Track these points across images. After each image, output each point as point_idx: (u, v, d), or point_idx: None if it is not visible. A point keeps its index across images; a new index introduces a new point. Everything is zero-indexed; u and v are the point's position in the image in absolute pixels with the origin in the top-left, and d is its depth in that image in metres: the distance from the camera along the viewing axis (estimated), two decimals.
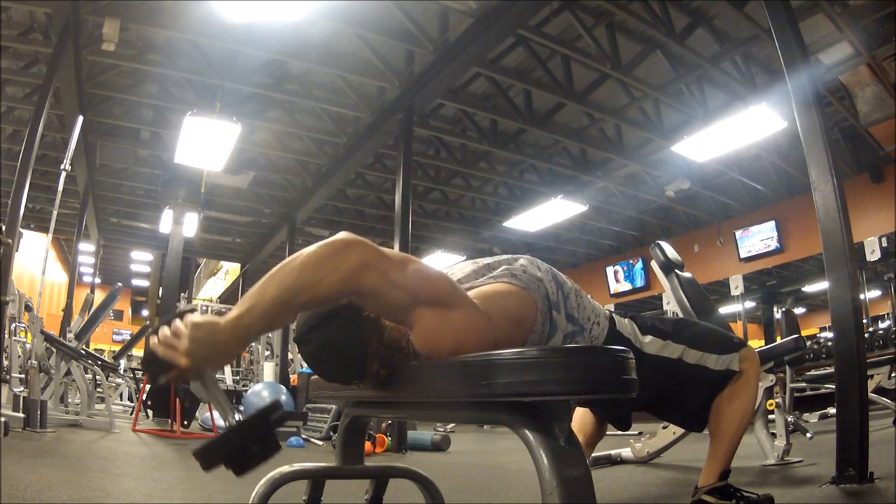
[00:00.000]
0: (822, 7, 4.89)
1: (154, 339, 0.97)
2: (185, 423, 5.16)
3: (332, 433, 5.27)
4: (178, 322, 0.96)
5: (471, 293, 1.19)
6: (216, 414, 6.00)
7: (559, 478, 0.81)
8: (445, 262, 9.99)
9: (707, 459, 1.61)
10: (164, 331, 0.97)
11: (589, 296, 1.48)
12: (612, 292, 11.48)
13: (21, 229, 4.80)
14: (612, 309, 1.60)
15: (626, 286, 11.32)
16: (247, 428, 0.95)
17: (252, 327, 0.95)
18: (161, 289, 10.11)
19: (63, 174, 5.40)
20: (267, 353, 9.90)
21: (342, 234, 1.01)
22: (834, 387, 2.58)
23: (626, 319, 1.56)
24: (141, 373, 8.36)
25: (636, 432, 4.10)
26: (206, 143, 6.40)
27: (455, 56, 5.29)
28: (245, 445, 0.94)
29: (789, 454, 2.90)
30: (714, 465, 1.59)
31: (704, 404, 1.59)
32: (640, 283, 11.10)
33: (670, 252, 3.00)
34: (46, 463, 2.84)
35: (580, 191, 8.67)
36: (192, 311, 1.00)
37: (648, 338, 1.54)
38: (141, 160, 8.42)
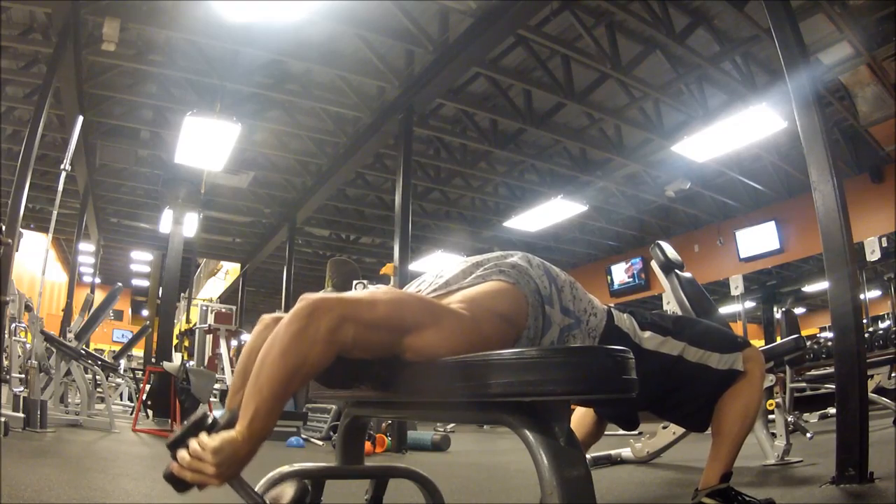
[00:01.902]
0: (822, 7, 4.89)
1: (178, 465, 0.99)
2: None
3: (332, 433, 5.27)
4: (195, 445, 0.98)
5: (457, 296, 1.20)
6: (217, 413, 5.99)
7: (559, 478, 0.81)
8: (440, 263, 10.01)
9: (709, 460, 1.59)
10: (185, 456, 0.98)
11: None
12: (616, 285, 11.47)
13: (21, 229, 4.80)
14: (613, 307, 1.58)
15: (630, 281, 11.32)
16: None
17: (265, 428, 0.98)
18: (161, 289, 10.11)
19: (63, 174, 5.39)
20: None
21: (304, 301, 0.99)
22: (834, 387, 2.58)
23: (626, 314, 1.54)
24: (141, 373, 8.35)
25: (636, 432, 4.10)
26: (206, 143, 6.40)
27: (455, 56, 5.30)
28: None
29: (789, 454, 2.90)
30: (715, 467, 1.57)
31: (706, 404, 1.57)
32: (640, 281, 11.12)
33: (670, 252, 3.00)
34: (46, 463, 2.84)
35: (580, 191, 8.67)
36: (203, 419, 1.02)
37: (647, 333, 1.51)
38: (141, 160, 8.42)
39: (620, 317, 1.51)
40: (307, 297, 1.00)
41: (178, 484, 1.01)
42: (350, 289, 1.02)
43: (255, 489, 1.24)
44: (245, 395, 1.00)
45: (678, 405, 1.61)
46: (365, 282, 0.99)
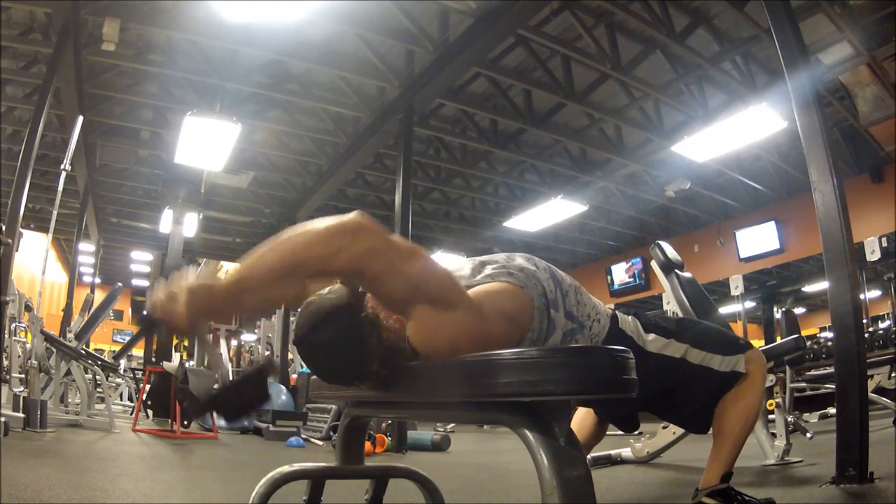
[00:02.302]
0: (822, 7, 4.89)
1: (153, 297, 0.99)
2: (185, 423, 5.16)
3: (332, 433, 5.27)
4: (175, 282, 0.98)
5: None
6: (215, 414, 6.00)
7: (559, 478, 0.81)
8: (444, 262, 9.99)
9: (709, 460, 1.60)
10: (160, 293, 0.98)
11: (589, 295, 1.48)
12: (617, 285, 11.46)
13: (21, 229, 4.80)
14: (613, 307, 1.59)
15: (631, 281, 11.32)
16: (243, 384, 1.03)
17: (249, 290, 0.96)
18: None
19: (63, 174, 5.40)
20: (267, 353, 9.90)
21: (355, 216, 1.00)
22: (834, 387, 2.58)
23: (630, 317, 1.55)
24: (141, 373, 8.35)
25: (636, 432, 4.10)
26: (206, 143, 6.40)
27: (455, 56, 5.29)
28: (240, 396, 1.02)
29: (789, 454, 2.90)
30: (716, 467, 1.57)
31: (708, 405, 1.57)
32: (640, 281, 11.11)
33: (670, 252, 3.00)
34: (46, 463, 2.84)
35: (580, 191, 8.67)
36: (192, 268, 1.02)
37: (651, 336, 1.52)
38: (141, 160, 8.42)
39: (625, 319, 1.53)
40: (362, 215, 0.99)
41: (146, 320, 1.01)
42: (358, 287, 1.04)
43: (256, 489, 1.25)
44: (249, 255, 1.00)
45: (680, 406, 1.62)
46: None
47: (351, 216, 1.00)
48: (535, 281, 1.28)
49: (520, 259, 1.35)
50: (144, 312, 1.03)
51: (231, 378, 1.05)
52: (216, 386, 1.03)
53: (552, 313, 1.27)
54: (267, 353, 9.57)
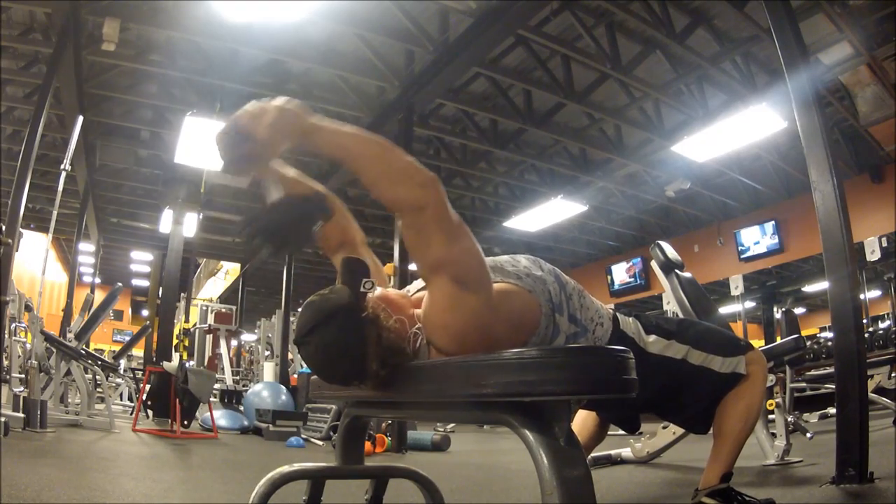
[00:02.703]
0: (822, 7, 4.90)
1: (242, 110, 1.05)
2: (185, 423, 5.16)
3: (332, 433, 5.27)
4: (266, 102, 1.04)
5: None
6: (217, 413, 6.01)
7: (559, 478, 0.81)
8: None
9: (709, 460, 1.60)
10: (251, 106, 1.04)
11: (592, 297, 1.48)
12: (617, 285, 11.46)
13: (21, 229, 4.79)
14: (613, 307, 1.59)
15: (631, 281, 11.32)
16: (292, 204, 1.06)
17: (324, 136, 1.04)
18: (161, 289, 10.11)
19: (63, 174, 5.40)
20: (267, 353, 9.90)
21: (430, 174, 1.05)
22: (834, 387, 2.58)
23: (631, 318, 1.55)
24: (141, 373, 8.33)
25: (636, 433, 4.09)
26: (206, 143, 6.39)
27: (455, 56, 5.29)
28: (287, 220, 1.05)
29: (789, 454, 2.90)
30: (716, 467, 1.57)
31: (708, 407, 1.58)
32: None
33: (670, 252, 3.00)
34: (46, 463, 2.84)
35: (580, 191, 8.66)
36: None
37: (652, 337, 1.53)
38: (141, 160, 8.42)
39: (626, 321, 1.53)
40: (434, 176, 1.05)
41: (229, 132, 1.04)
42: (359, 287, 1.05)
43: (256, 489, 1.25)
44: (334, 121, 1.06)
45: (681, 407, 1.62)
46: (374, 280, 1.00)
47: (426, 171, 1.05)
48: (543, 285, 1.29)
49: (525, 261, 1.35)
50: (229, 126, 1.05)
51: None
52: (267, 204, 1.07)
53: (557, 317, 1.28)
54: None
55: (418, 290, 1.33)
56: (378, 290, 1.20)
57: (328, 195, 1.26)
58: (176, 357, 7.14)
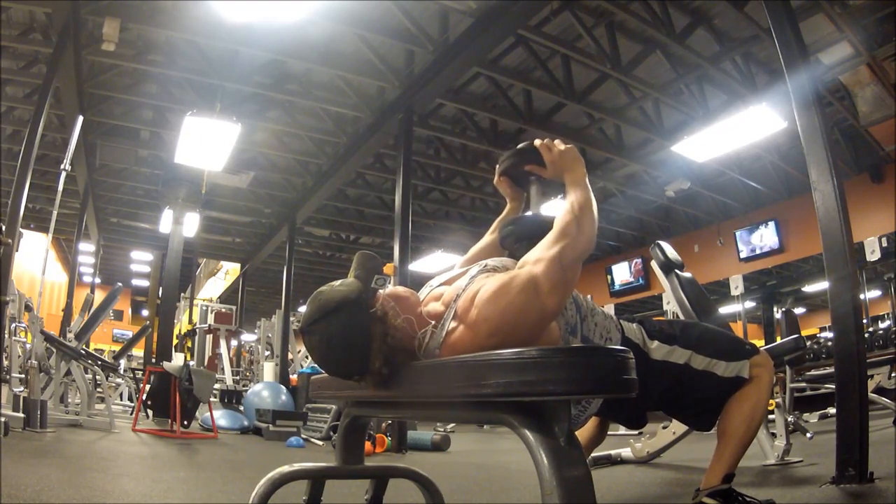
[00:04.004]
0: (822, 7, 4.89)
1: (539, 141, 1.45)
2: (185, 423, 5.16)
3: (332, 433, 5.27)
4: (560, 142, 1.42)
5: None
6: (217, 413, 6.01)
7: (559, 478, 0.81)
8: (447, 263, 9.99)
9: (712, 460, 1.60)
10: (551, 141, 1.44)
11: (600, 308, 1.50)
12: (617, 285, 11.46)
13: (21, 229, 4.80)
14: (613, 309, 1.60)
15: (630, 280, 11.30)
16: (545, 220, 1.39)
17: (584, 182, 1.38)
18: (161, 289, 10.11)
19: (63, 174, 5.39)
20: (267, 353, 9.91)
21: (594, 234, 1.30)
22: (834, 387, 2.58)
23: (635, 325, 1.56)
24: (141, 373, 8.33)
25: (636, 432, 4.10)
26: (206, 143, 6.40)
27: (455, 56, 5.29)
28: (538, 230, 1.35)
29: (789, 454, 2.90)
30: (718, 467, 1.58)
31: (712, 409, 1.58)
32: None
33: (670, 252, 3.00)
34: (46, 463, 2.84)
35: None
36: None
37: (655, 343, 1.54)
38: (141, 160, 8.42)
39: (630, 328, 1.54)
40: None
41: (529, 149, 1.48)
42: (370, 282, 1.07)
43: (256, 489, 1.24)
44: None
45: (685, 409, 1.64)
46: (386, 277, 1.02)
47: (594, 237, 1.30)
48: (564, 311, 1.31)
49: None
50: (525, 145, 1.47)
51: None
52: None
53: (570, 340, 1.32)
54: None
55: (440, 285, 1.33)
56: (389, 288, 1.20)
57: None
58: (179, 357, 7.15)
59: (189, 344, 10.04)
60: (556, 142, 1.42)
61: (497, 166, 1.55)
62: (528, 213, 1.52)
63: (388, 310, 1.15)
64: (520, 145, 1.50)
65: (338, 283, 1.17)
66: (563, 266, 1.16)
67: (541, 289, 1.12)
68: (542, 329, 1.18)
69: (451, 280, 1.34)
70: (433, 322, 1.19)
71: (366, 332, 1.11)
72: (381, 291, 1.16)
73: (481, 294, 1.15)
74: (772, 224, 8.95)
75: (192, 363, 7.97)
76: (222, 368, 9.35)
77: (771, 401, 3.12)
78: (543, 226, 1.33)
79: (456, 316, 1.18)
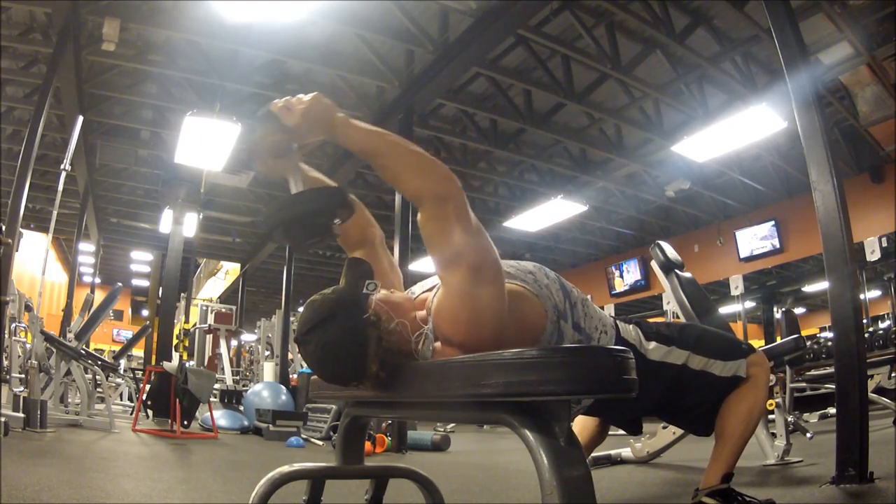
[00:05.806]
0: (822, 7, 4.89)
1: (276, 102, 1.14)
2: (185, 423, 5.16)
3: (332, 433, 5.27)
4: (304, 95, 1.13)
5: None
6: (217, 413, 6.01)
7: (559, 478, 0.81)
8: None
9: (711, 460, 1.61)
10: (290, 98, 1.13)
11: (596, 306, 1.49)
12: (615, 290, 11.45)
13: (21, 229, 4.80)
14: (613, 309, 1.60)
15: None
16: (313, 197, 1.12)
17: (351, 131, 1.11)
18: (161, 289, 10.11)
19: (63, 174, 5.39)
20: (267, 353, 9.90)
21: (448, 171, 1.10)
22: (834, 387, 2.58)
23: (631, 325, 1.56)
24: (141, 373, 8.33)
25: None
26: (206, 143, 6.40)
27: (455, 56, 5.29)
28: (309, 212, 1.09)
29: (789, 454, 2.90)
30: (717, 467, 1.58)
31: (710, 410, 1.58)
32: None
33: (670, 252, 3.00)
34: (46, 463, 2.84)
35: (580, 191, 8.66)
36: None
37: (652, 344, 1.54)
38: (141, 160, 8.42)
39: (626, 329, 1.54)
40: (452, 173, 1.10)
41: (265, 113, 1.13)
42: (362, 288, 1.05)
43: (256, 489, 1.25)
44: (361, 121, 1.14)
45: (683, 411, 1.63)
46: (377, 282, 1.00)
47: (445, 168, 1.10)
48: (548, 292, 1.29)
49: (531, 267, 1.36)
50: (263, 110, 1.15)
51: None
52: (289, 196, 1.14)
53: (562, 324, 1.29)
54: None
55: (423, 292, 1.33)
56: (381, 293, 1.20)
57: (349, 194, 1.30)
58: (176, 357, 7.15)
59: (186, 343, 10.03)
60: (297, 97, 1.14)
61: (248, 152, 1.26)
62: (300, 192, 1.17)
63: (381, 314, 1.14)
64: (258, 112, 1.20)
65: (329, 290, 1.17)
66: (451, 222, 1.07)
67: (464, 259, 1.08)
68: (503, 305, 1.12)
69: (434, 287, 1.33)
70: (426, 326, 1.19)
71: (361, 338, 1.11)
72: (373, 297, 1.16)
73: (437, 311, 1.16)
74: (772, 224, 8.95)
75: (191, 363, 7.97)
76: (222, 368, 9.35)
77: (771, 401, 3.13)
78: (312, 198, 1.12)
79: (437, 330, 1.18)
